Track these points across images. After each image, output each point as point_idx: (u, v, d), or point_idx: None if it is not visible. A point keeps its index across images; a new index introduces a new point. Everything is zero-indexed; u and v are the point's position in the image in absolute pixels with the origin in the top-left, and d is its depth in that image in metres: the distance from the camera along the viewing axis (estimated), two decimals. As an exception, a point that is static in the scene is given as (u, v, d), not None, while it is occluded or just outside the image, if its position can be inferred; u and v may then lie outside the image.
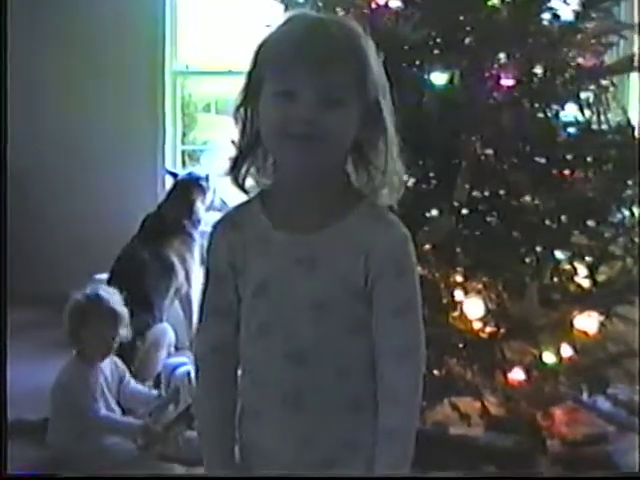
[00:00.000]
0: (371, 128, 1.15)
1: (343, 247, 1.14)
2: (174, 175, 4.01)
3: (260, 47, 1.15)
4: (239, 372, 1.23)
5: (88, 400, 2.54)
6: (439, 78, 2.46)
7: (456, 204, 2.45)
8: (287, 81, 1.10)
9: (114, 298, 2.69)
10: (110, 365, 2.70)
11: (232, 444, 1.22)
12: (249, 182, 1.20)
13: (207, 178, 3.88)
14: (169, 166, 4.57)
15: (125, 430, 2.57)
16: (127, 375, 2.77)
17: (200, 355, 1.25)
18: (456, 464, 2.41)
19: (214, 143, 4.93)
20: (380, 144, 1.15)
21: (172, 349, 3.47)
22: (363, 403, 1.17)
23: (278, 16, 2.72)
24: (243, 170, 1.19)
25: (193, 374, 2.64)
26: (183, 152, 4.82)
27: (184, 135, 4.86)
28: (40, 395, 2.66)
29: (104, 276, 3.54)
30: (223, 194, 3.95)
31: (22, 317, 3.73)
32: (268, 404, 1.18)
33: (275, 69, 1.12)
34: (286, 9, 2.74)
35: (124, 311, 2.70)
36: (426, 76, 2.48)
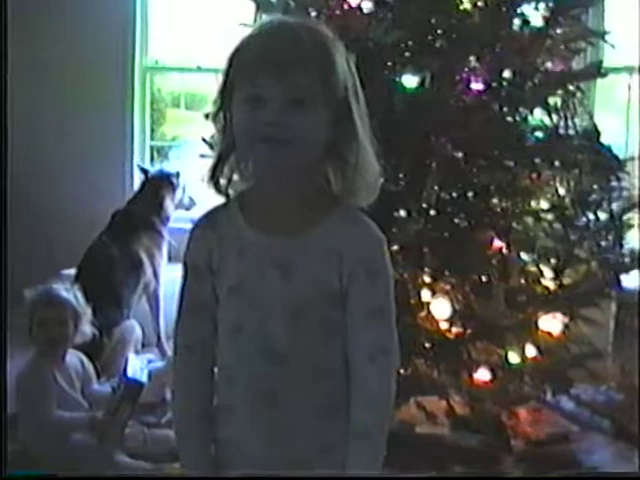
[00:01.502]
0: (342, 129, 1.15)
1: (318, 250, 1.15)
2: (145, 171, 3.99)
3: (232, 53, 1.16)
4: (215, 369, 1.24)
5: (40, 399, 2.50)
6: (410, 80, 2.48)
7: (425, 205, 2.47)
8: (254, 86, 1.11)
9: (68, 294, 2.62)
10: (75, 362, 2.67)
11: (208, 440, 1.23)
12: (230, 186, 1.21)
13: (177, 175, 3.86)
14: (137, 162, 4.53)
15: (74, 426, 2.52)
16: (92, 375, 2.73)
17: (177, 352, 1.25)
18: (422, 463, 2.43)
19: (183, 139, 4.91)
20: (353, 145, 1.16)
21: (139, 346, 3.46)
22: (338, 405, 1.17)
23: (249, 14, 2.75)
24: (223, 174, 1.20)
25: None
26: (152, 148, 4.78)
27: (153, 131, 4.81)
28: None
29: (71, 272, 3.51)
30: (192, 192, 3.94)
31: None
32: (242, 401, 1.19)
33: (243, 74, 1.13)
34: (257, 8, 2.74)
35: (81, 307, 2.63)
36: (397, 78, 2.50)
